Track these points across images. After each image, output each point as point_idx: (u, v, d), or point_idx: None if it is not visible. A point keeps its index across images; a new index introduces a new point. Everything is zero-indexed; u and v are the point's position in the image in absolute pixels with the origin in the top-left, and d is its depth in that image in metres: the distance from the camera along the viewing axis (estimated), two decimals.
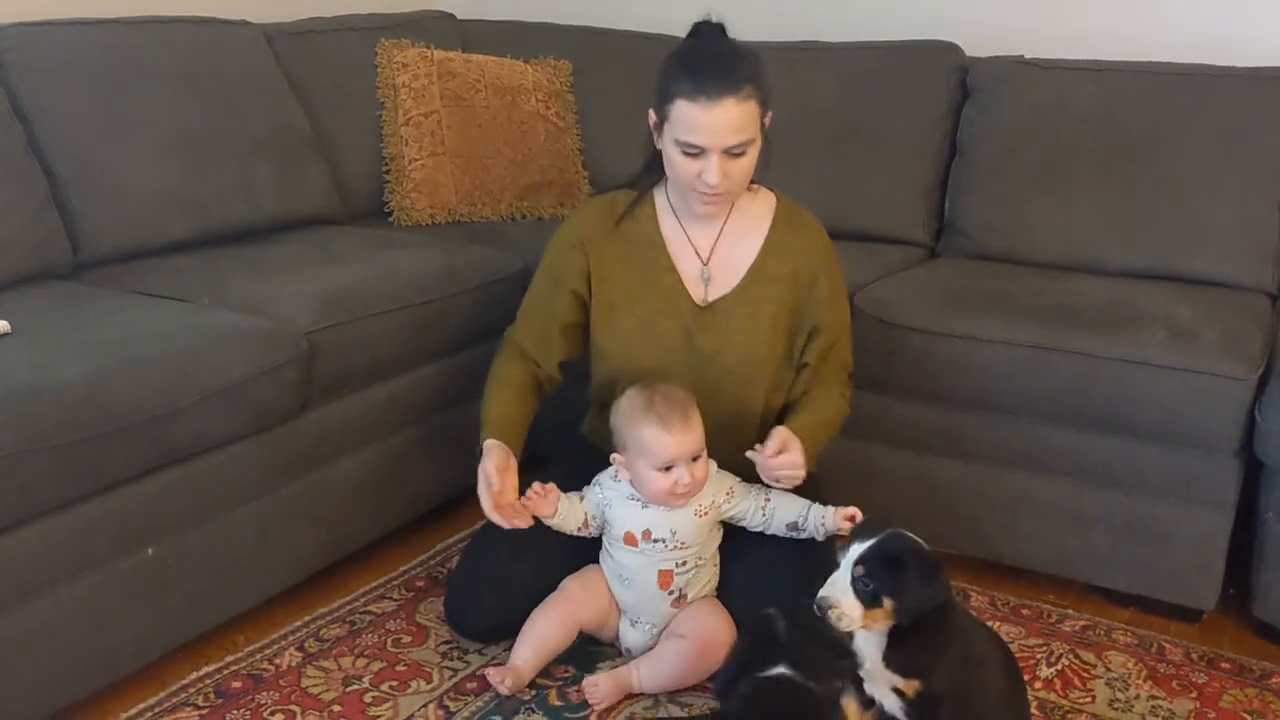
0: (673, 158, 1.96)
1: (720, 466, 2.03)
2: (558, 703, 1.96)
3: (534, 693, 1.98)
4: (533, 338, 2.15)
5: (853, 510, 1.96)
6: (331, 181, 2.86)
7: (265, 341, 2.06)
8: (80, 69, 2.44)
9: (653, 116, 1.99)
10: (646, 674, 1.95)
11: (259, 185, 2.65)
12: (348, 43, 3.04)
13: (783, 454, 1.92)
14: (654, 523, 1.98)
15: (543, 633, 2.00)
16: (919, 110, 2.91)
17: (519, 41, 3.28)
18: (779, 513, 2.01)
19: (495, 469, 1.95)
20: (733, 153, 1.91)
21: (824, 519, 1.98)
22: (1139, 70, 2.74)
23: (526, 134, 3.08)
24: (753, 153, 1.94)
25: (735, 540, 2.05)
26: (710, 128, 1.89)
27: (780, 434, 1.94)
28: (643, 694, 1.96)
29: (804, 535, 2.01)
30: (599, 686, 1.93)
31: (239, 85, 2.71)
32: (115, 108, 2.46)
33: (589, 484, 2.05)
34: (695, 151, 1.91)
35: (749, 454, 1.95)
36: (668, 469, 1.92)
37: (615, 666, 2.01)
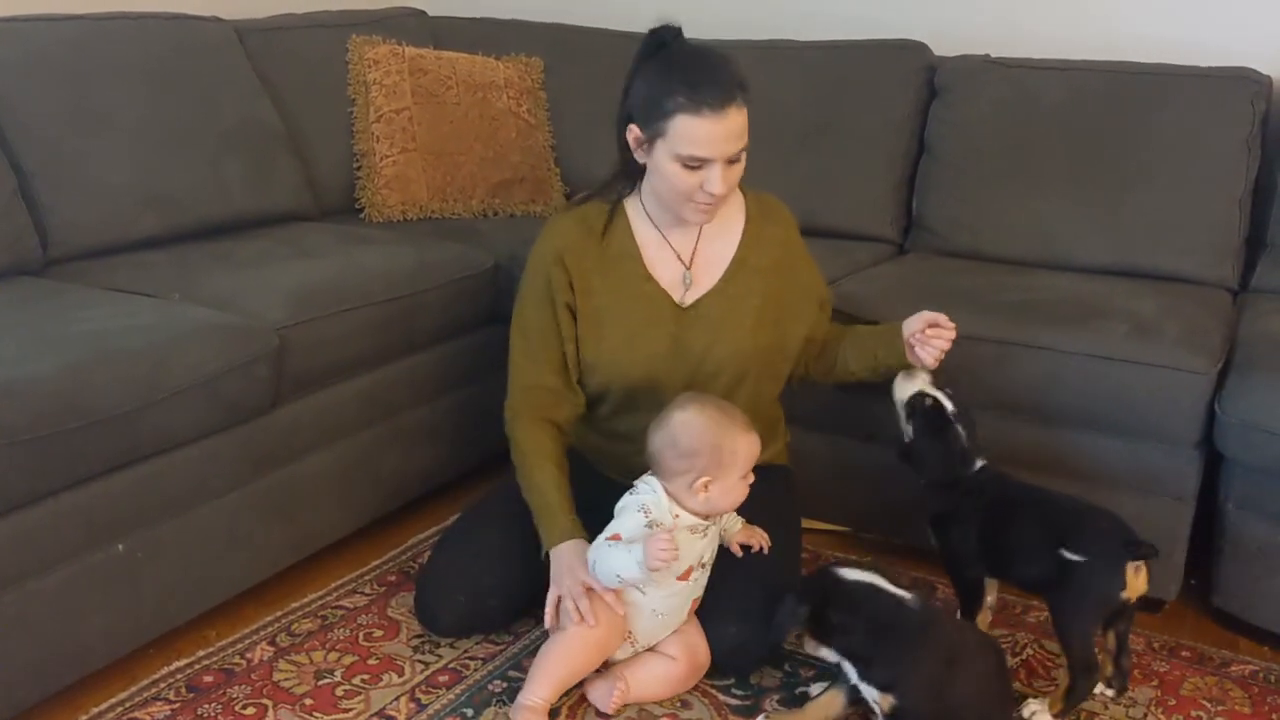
0: (669, 172, 1.92)
1: None
2: None
3: (505, 685, 1.99)
4: (552, 370, 2.06)
5: (751, 540, 2.01)
6: (303, 178, 2.86)
7: (236, 337, 2.06)
8: (50, 64, 2.43)
9: (635, 132, 1.94)
10: (633, 684, 1.94)
11: (230, 181, 2.65)
12: (319, 39, 3.04)
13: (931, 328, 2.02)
14: (705, 551, 1.94)
15: (567, 676, 1.90)
16: (887, 108, 2.93)
17: (490, 38, 3.29)
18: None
19: (586, 575, 1.88)
20: (732, 159, 1.92)
21: (725, 529, 2.03)
22: (1103, 69, 2.78)
23: (498, 131, 3.09)
24: (745, 155, 1.95)
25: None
26: (716, 139, 1.87)
27: (924, 316, 2.03)
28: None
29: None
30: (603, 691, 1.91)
31: (210, 81, 2.71)
32: (85, 103, 2.45)
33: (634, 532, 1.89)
34: (697, 164, 1.89)
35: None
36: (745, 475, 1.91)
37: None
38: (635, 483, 1.94)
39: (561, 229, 2.08)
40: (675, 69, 1.90)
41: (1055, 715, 1.91)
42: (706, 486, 1.86)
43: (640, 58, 1.96)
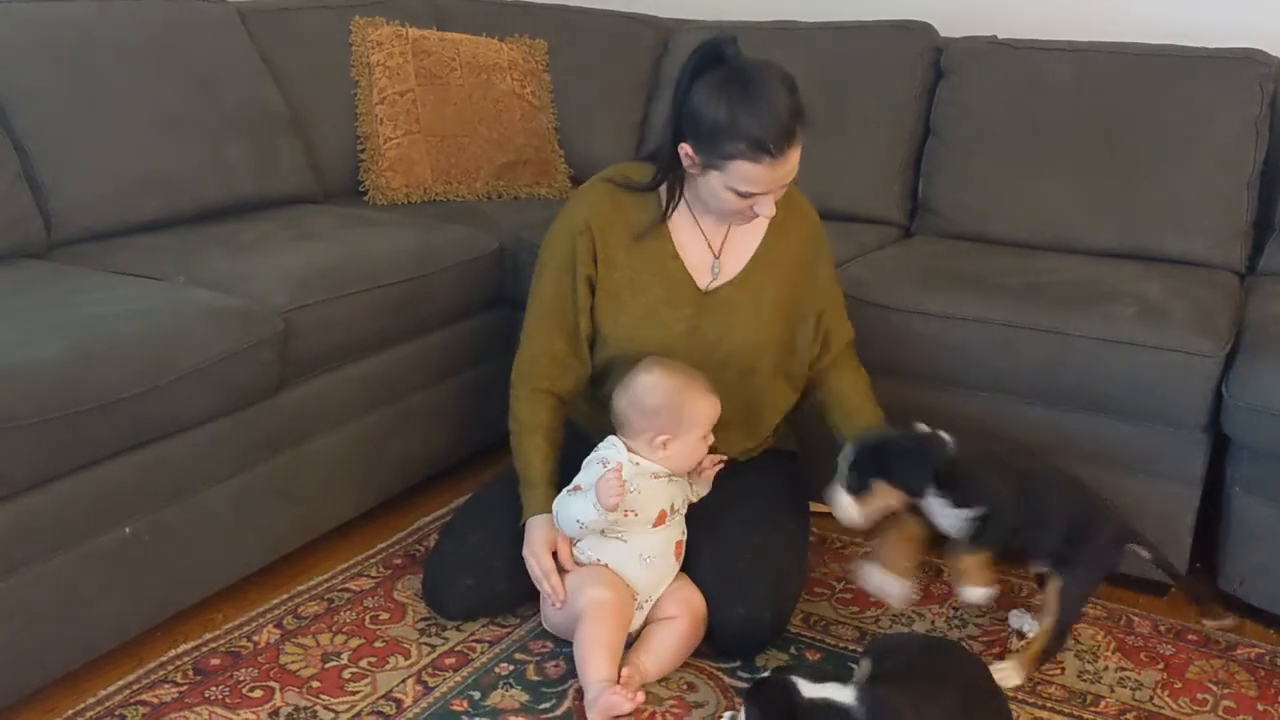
0: (720, 195, 1.92)
1: (721, 447, 2.08)
2: (535, 677, 1.97)
3: (511, 668, 2.00)
4: (563, 336, 2.07)
5: (716, 458, 2.04)
6: (306, 160, 2.85)
7: (241, 320, 2.06)
8: (52, 47, 2.42)
9: (688, 150, 1.91)
10: (650, 663, 1.94)
11: (233, 164, 2.64)
12: (322, 20, 3.03)
13: None
14: (676, 496, 2.00)
15: (614, 645, 1.90)
16: (893, 90, 2.92)
17: (494, 20, 3.27)
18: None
19: (546, 556, 1.97)
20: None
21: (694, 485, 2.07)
22: (1110, 50, 2.76)
23: (502, 113, 3.07)
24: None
25: (698, 516, 2.07)
26: (774, 180, 1.89)
27: None
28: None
29: (696, 499, 2.07)
30: (628, 689, 1.86)
31: (213, 63, 2.69)
32: (88, 86, 2.44)
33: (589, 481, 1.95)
34: (750, 194, 1.91)
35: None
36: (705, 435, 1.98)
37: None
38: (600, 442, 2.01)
39: (593, 199, 2.08)
40: (736, 104, 1.84)
41: (1026, 675, 1.97)
42: (666, 444, 1.95)
43: (695, 70, 1.90)
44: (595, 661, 1.86)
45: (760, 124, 1.84)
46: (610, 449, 1.99)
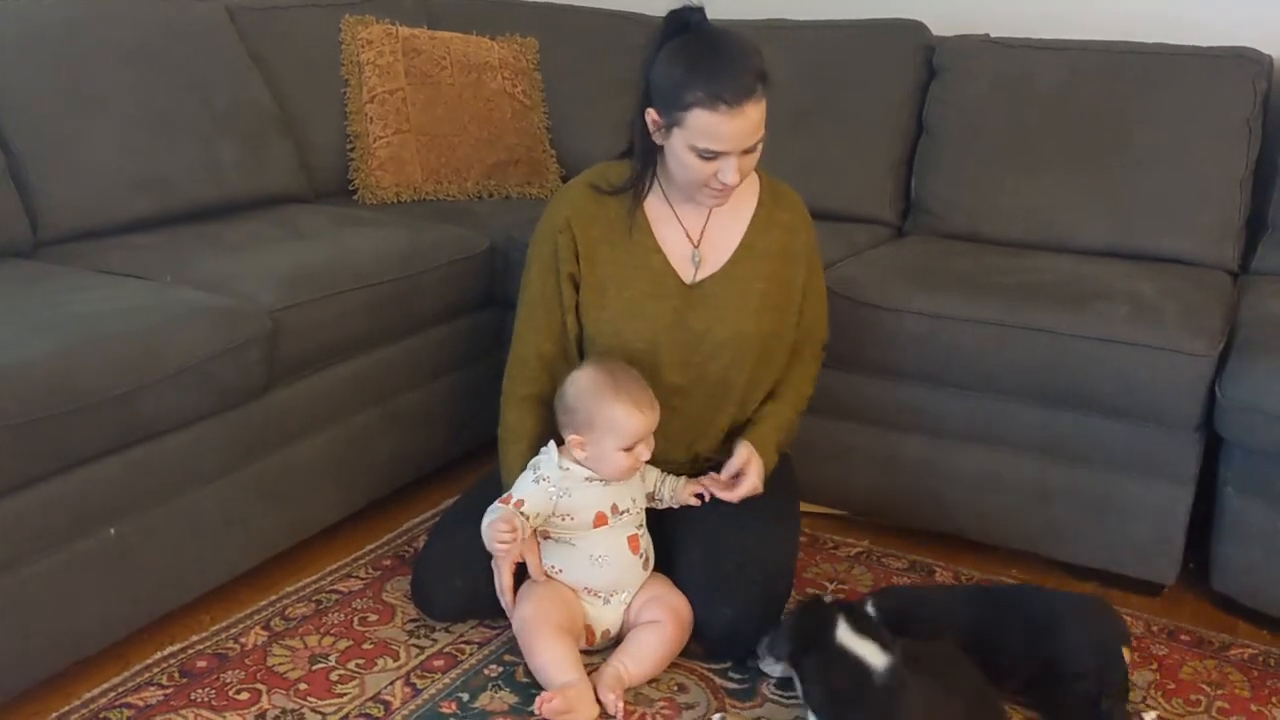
0: (685, 160, 1.92)
1: (705, 442, 2.08)
2: (524, 679, 1.96)
3: (500, 669, 1.98)
4: (550, 338, 2.08)
5: (699, 488, 2.03)
6: (296, 159, 2.83)
7: (229, 320, 2.04)
8: (40, 44, 2.41)
9: (654, 115, 1.92)
10: (633, 666, 1.93)
11: (222, 162, 2.62)
12: (312, 19, 3.01)
13: (742, 477, 2.01)
14: (617, 496, 1.98)
15: (562, 651, 1.90)
16: (885, 89, 2.91)
17: (485, 18, 3.26)
18: (649, 476, 2.07)
19: (507, 573, 1.99)
20: (749, 150, 1.91)
21: (674, 491, 2.06)
22: (1103, 49, 2.75)
23: (493, 112, 3.06)
24: (761, 144, 1.94)
25: (687, 516, 2.06)
26: (733, 135, 1.87)
27: (739, 457, 2.02)
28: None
29: (662, 506, 2.07)
30: (607, 701, 1.86)
31: (202, 61, 2.68)
32: (76, 83, 2.42)
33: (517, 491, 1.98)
34: (712, 156, 1.89)
35: (707, 482, 2.04)
36: (630, 448, 1.94)
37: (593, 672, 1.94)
38: None
39: (572, 196, 2.09)
40: (696, 58, 1.87)
41: None
42: (579, 445, 1.95)
43: (661, 38, 1.93)
44: (555, 672, 1.87)
45: (718, 75, 1.84)
46: (543, 454, 1.99)
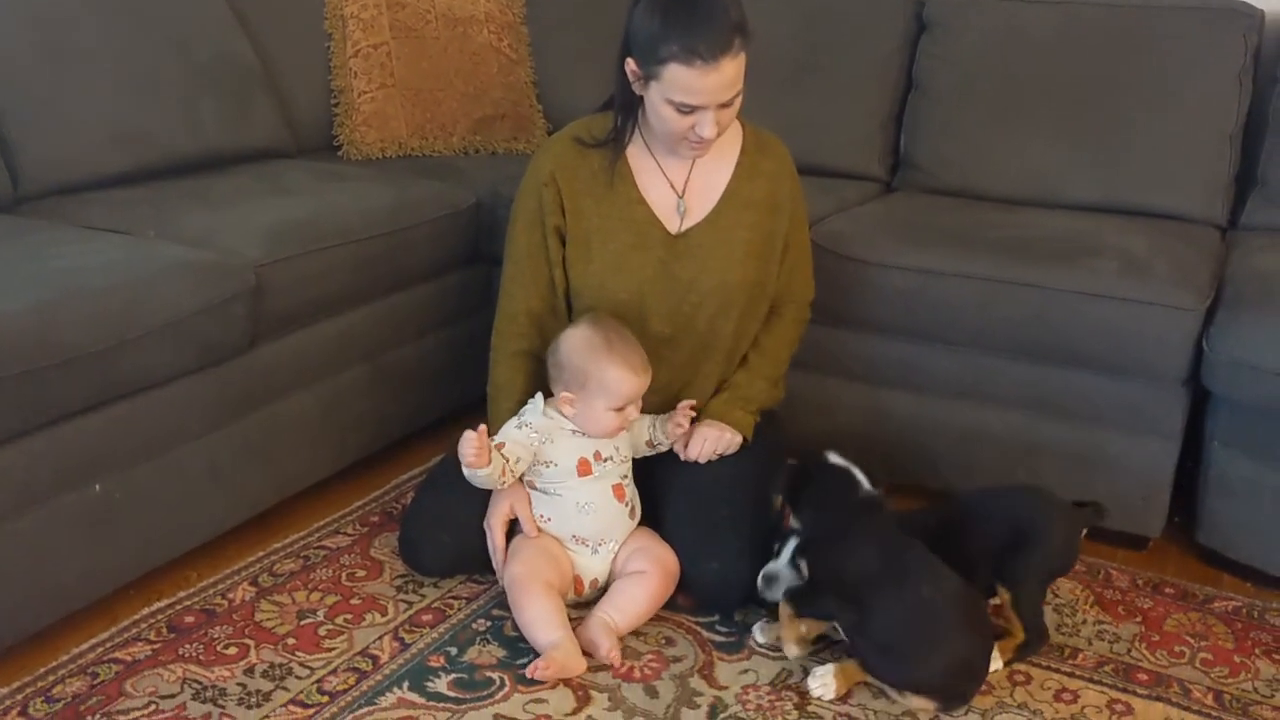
0: (663, 113, 1.91)
1: (693, 391, 2.08)
2: (513, 633, 1.96)
3: (488, 624, 1.99)
4: (538, 294, 2.07)
5: (681, 416, 2.05)
6: (279, 114, 2.80)
7: (212, 275, 2.02)
8: (19, 1, 2.36)
9: (632, 66, 1.91)
10: (619, 616, 1.93)
11: (205, 118, 2.59)
12: None
13: (696, 445, 2.06)
14: (600, 444, 1.99)
15: (549, 608, 1.89)
16: (875, 44, 2.89)
17: None
18: (637, 426, 2.07)
19: (499, 532, 2.01)
20: (726, 104, 1.90)
21: (664, 429, 2.07)
22: (1095, 3, 2.74)
23: (478, 66, 3.03)
24: (740, 97, 1.92)
25: (675, 470, 2.06)
26: (708, 89, 1.86)
27: (696, 433, 2.07)
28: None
29: (664, 448, 2.08)
30: (601, 646, 1.87)
31: (183, 16, 2.64)
32: (56, 38, 2.39)
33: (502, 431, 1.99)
34: (689, 109, 1.88)
35: (680, 408, 2.05)
36: (620, 408, 1.94)
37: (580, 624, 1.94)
38: None
39: (556, 150, 2.07)
40: (672, 10, 1.85)
41: (1005, 662, 1.91)
42: (569, 402, 1.95)
43: None
44: (543, 630, 1.87)
45: (694, 29, 1.83)
46: (531, 404, 2.00)
